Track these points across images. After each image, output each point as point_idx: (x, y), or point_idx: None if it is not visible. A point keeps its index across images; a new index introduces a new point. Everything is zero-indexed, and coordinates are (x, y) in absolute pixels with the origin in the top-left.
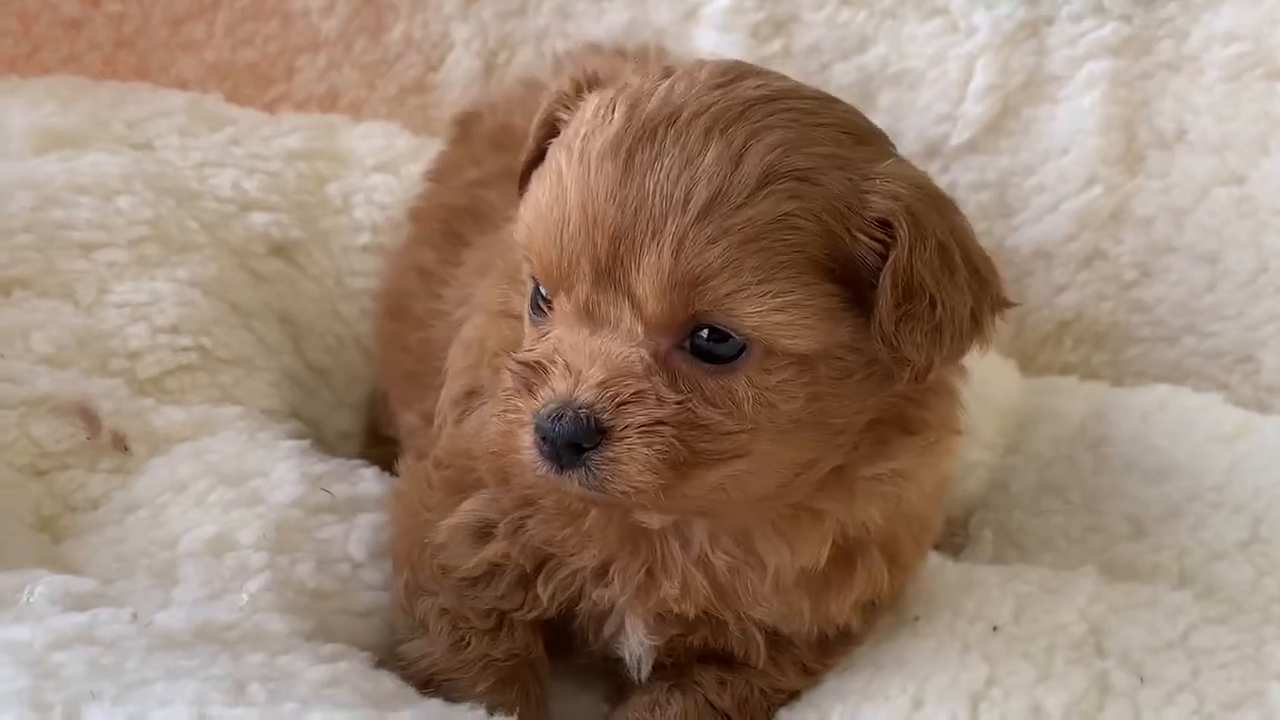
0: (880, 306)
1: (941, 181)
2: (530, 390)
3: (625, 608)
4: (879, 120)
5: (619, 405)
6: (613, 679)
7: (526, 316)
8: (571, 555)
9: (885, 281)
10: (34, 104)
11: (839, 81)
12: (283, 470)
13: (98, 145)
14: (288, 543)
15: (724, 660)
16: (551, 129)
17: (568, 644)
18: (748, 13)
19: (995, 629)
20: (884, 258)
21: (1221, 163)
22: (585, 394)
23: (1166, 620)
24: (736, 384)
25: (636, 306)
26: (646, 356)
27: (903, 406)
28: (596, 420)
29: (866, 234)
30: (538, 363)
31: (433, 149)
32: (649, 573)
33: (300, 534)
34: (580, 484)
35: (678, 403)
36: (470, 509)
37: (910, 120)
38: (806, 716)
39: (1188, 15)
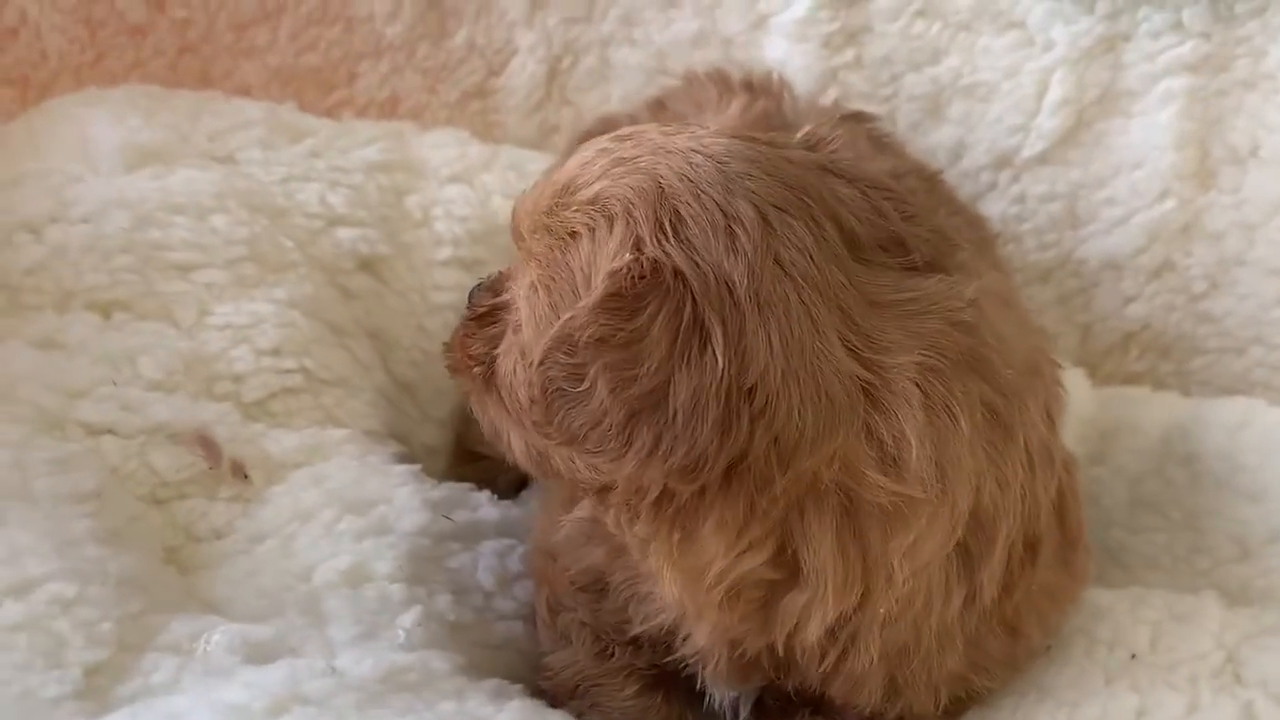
0: None
1: (1011, 192)
2: None
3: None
4: (948, 131)
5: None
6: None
7: None
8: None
9: None
10: (118, 118)
11: (910, 92)
12: (404, 497)
13: (185, 161)
14: (422, 574)
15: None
16: None
17: None
18: (820, 23)
19: (1133, 657)
20: None
21: None
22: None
23: None
24: None
25: None
26: None
27: None
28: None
29: None
30: None
31: (502, 156)
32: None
33: (432, 564)
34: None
35: None
36: (576, 515)
37: (981, 132)
38: None
39: (1266, 34)
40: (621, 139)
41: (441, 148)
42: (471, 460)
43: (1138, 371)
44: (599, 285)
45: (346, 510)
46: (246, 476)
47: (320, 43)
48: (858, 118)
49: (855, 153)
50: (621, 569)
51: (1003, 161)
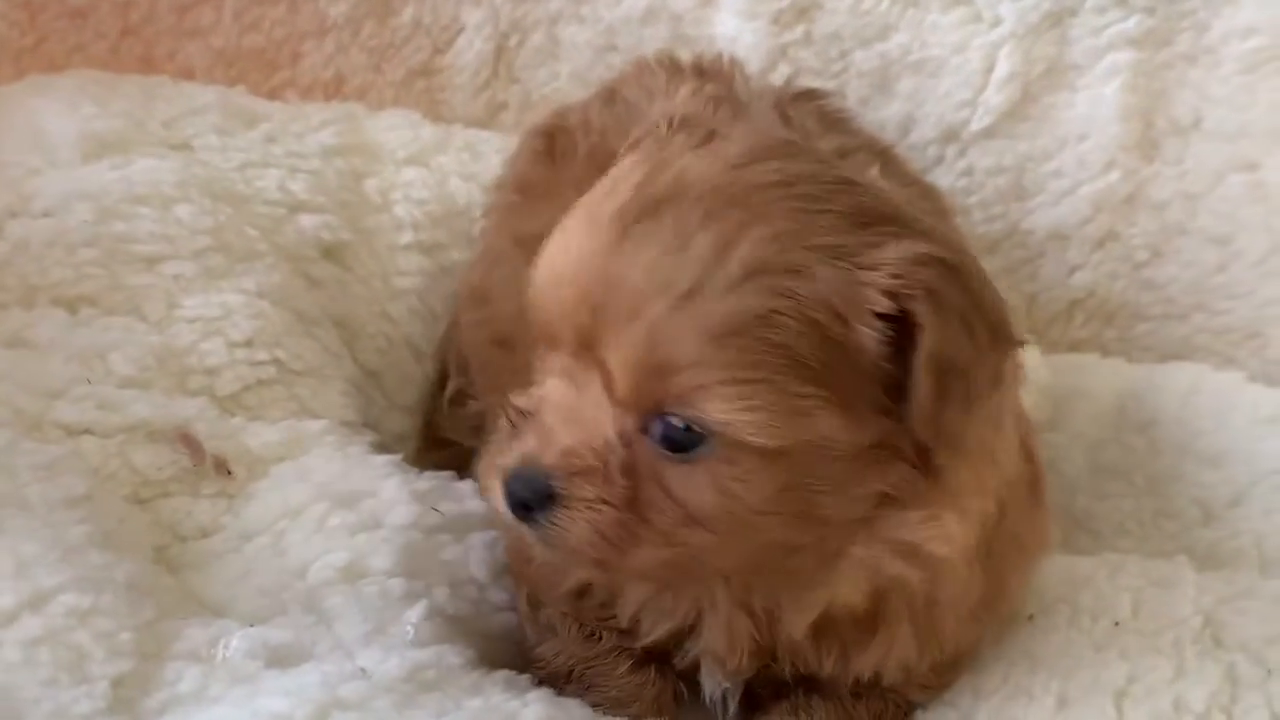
0: (918, 395)
1: (959, 166)
2: (512, 439)
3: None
4: (897, 107)
5: (572, 475)
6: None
7: None
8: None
9: (919, 370)
10: (71, 107)
11: (859, 68)
12: (391, 489)
13: (142, 149)
14: (418, 568)
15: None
16: None
17: None
18: (770, 0)
19: (1117, 624)
20: (893, 345)
21: (1236, 150)
22: (548, 458)
23: (1273, 607)
24: (696, 473)
25: (607, 382)
26: (611, 433)
27: (914, 479)
28: (549, 486)
29: (869, 324)
30: (524, 411)
31: (455, 137)
32: (698, 616)
33: (426, 557)
34: (534, 537)
35: (624, 486)
36: None
37: (929, 107)
38: (946, 716)
39: (1209, 9)
40: None
41: (395, 129)
42: (441, 447)
43: (1082, 338)
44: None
45: (336, 505)
46: (229, 472)
47: (264, 22)
48: (809, 95)
49: (803, 133)
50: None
51: (950, 136)
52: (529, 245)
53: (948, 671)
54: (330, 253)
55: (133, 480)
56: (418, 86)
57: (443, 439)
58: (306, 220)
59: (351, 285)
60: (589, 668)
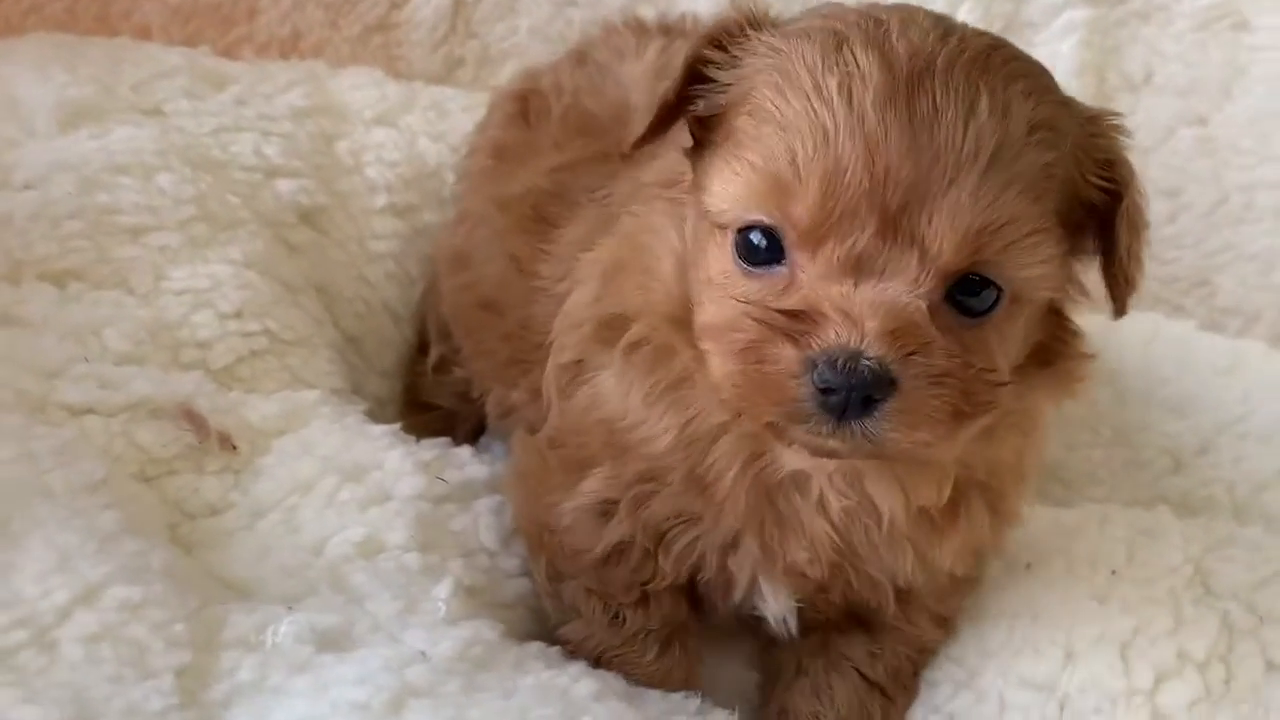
0: (1121, 247)
1: None
2: (794, 340)
3: (760, 572)
4: None
5: (908, 355)
6: (754, 643)
7: (732, 266)
8: (694, 528)
9: (1123, 223)
10: (42, 74)
11: None
12: (395, 460)
13: (116, 116)
14: (431, 539)
15: (859, 620)
16: (696, 71)
17: (702, 603)
18: None
19: (1114, 573)
20: (1109, 197)
21: (1186, 105)
22: (874, 345)
23: (1255, 554)
24: (989, 335)
25: (925, 256)
26: (924, 307)
27: (1045, 342)
28: (886, 371)
29: (1096, 177)
30: (800, 311)
31: (421, 96)
32: (781, 535)
33: (437, 528)
34: (853, 437)
35: (959, 353)
36: (591, 489)
37: None
38: (953, 674)
39: None
40: None
41: (360, 89)
42: (423, 410)
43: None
44: None
45: (344, 479)
46: (234, 447)
47: None
48: None
49: None
50: (641, 530)
51: None
52: (510, 208)
53: (954, 595)
54: (308, 217)
55: (139, 459)
56: (374, 42)
57: (424, 403)
58: (284, 185)
59: (329, 250)
60: (616, 654)
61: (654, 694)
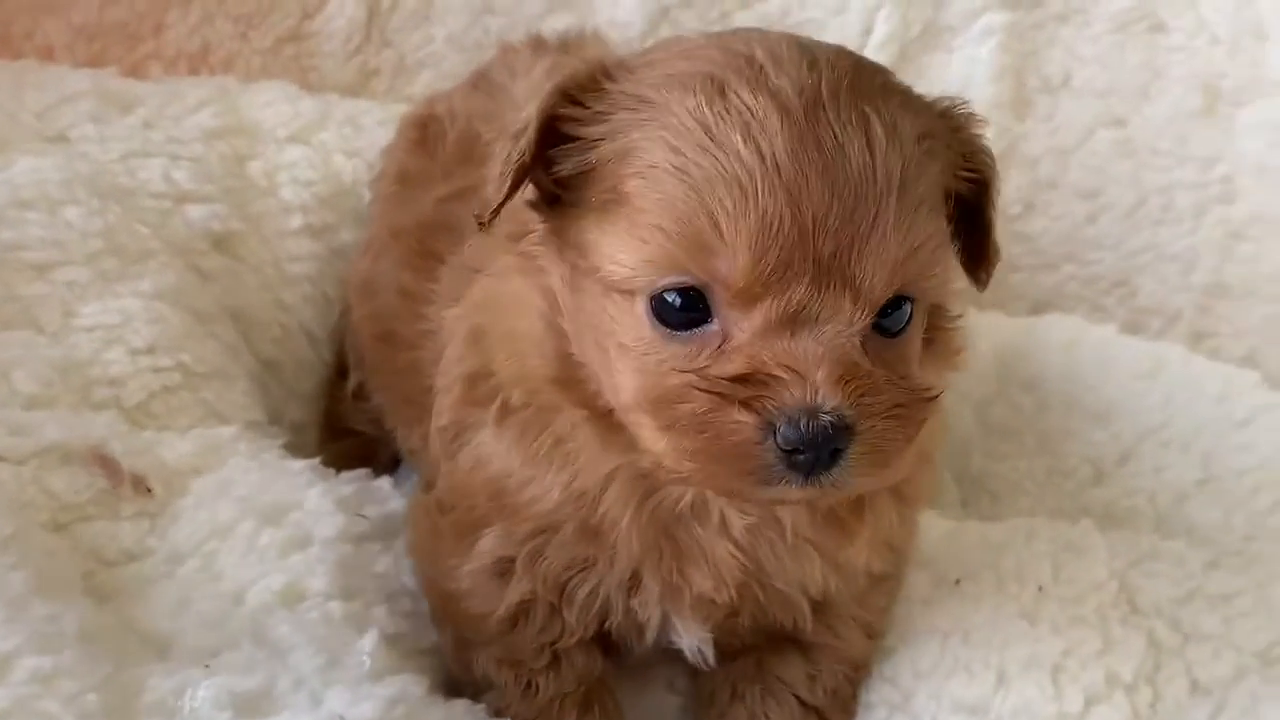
0: (989, 231)
1: None
2: (747, 405)
3: (668, 607)
4: None
5: (860, 398)
6: (676, 667)
7: (649, 331)
8: (593, 574)
9: (991, 209)
10: None
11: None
12: (315, 499)
13: (20, 146)
14: (354, 585)
15: (791, 640)
16: (551, 127)
17: (617, 648)
18: None
19: (1040, 589)
20: (972, 185)
21: (1105, 107)
22: (829, 397)
23: (1178, 569)
24: (906, 348)
25: (859, 295)
26: (859, 345)
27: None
28: (844, 420)
29: (963, 170)
30: (745, 375)
31: (335, 111)
32: (680, 569)
33: (360, 572)
34: (821, 487)
35: (895, 379)
36: (485, 549)
37: None
38: (888, 696)
39: None
40: None
41: (272, 105)
42: (343, 436)
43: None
44: None
45: (263, 521)
46: (149, 490)
47: None
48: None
49: None
50: (541, 585)
51: None
52: (402, 238)
53: (876, 595)
54: (220, 243)
55: (50, 506)
56: (286, 53)
57: (344, 428)
58: (194, 211)
59: (244, 275)
60: None
61: None
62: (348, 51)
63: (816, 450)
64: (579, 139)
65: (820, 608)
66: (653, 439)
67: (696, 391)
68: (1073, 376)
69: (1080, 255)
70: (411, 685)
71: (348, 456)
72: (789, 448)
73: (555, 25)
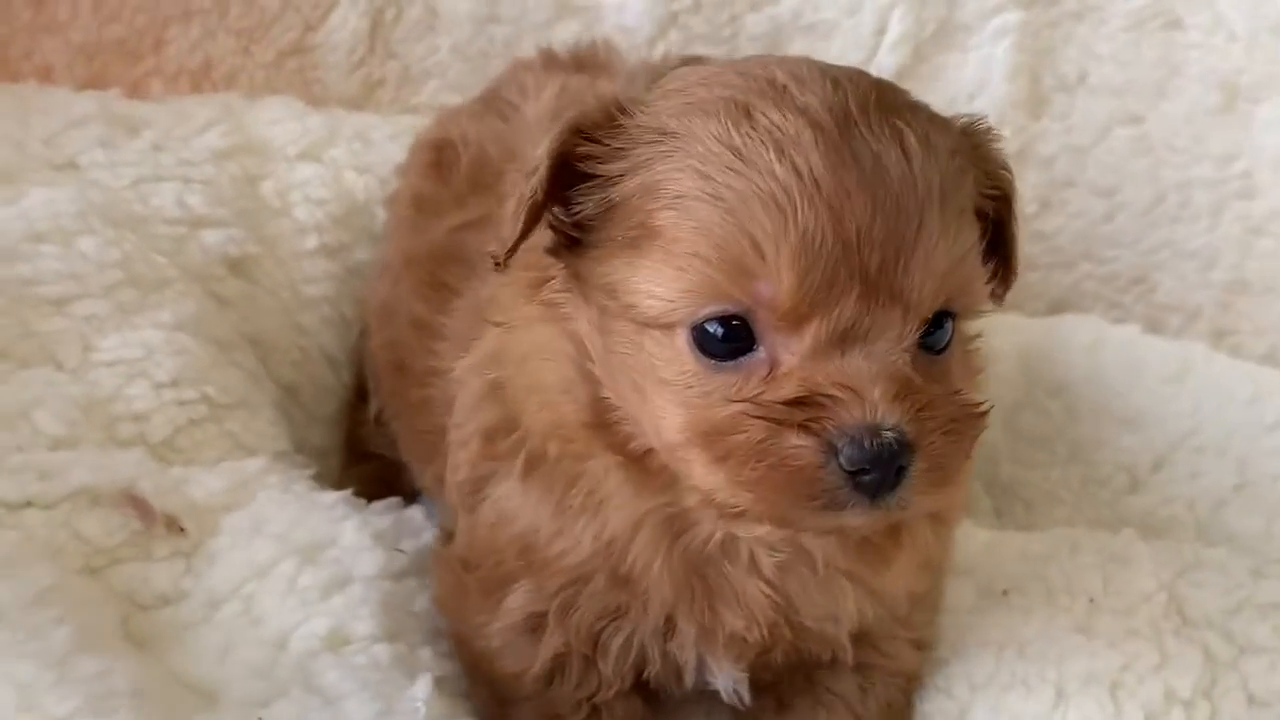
0: (1012, 246)
1: None
2: (807, 429)
3: (703, 649)
4: None
5: (917, 414)
6: (714, 699)
7: (693, 364)
8: (626, 623)
9: (1014, 223)
10: None
11: (750, 32)
12: (350, 533)
13: (30, 176)
14: (398, 626)
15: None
16: (567, 165)
17: (656, 694)
18: None
19: (1091, 601)
20: (993, 201)
21: (1121, 105)
22: (889, 414)
23: (1224, 578)
24: (950, 364)
25: (908, 309)
26: (909, 362)
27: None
28: (906, 436)
29: (988, 186)
30: (801, 398)
31: (344, 127)
32: (712, 609)
33: (402, 612)
34: (887, 510)
35: (954, 395)
36: (514, 606)
37: None
38: (944, 707)
39: None
40: None
41: (280, 123)
42: (366, 460)
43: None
44: None
45: (302, 561)
46: (182, 529)
47: (124, 11)
48: (691, 62)
49: None
50: (575, 637)
51: None
52: (414, 266)
53: (920, 613)
54: (237, 268)
55: (83, 551)
56: (289, 67)
57: (366, 452)
58: (210, 236)
59: (261, 299)
60: None
61: None
62: (351, 63)
63: (882, 469)
64: (598, 176)
65: (861, 637)
66: (704, 474)
67: (751, 419)
68: (1099, 380)
69: (1098, 253)
70: None
71: (371, 480)
72: (853, 468)
73: (562, 33)
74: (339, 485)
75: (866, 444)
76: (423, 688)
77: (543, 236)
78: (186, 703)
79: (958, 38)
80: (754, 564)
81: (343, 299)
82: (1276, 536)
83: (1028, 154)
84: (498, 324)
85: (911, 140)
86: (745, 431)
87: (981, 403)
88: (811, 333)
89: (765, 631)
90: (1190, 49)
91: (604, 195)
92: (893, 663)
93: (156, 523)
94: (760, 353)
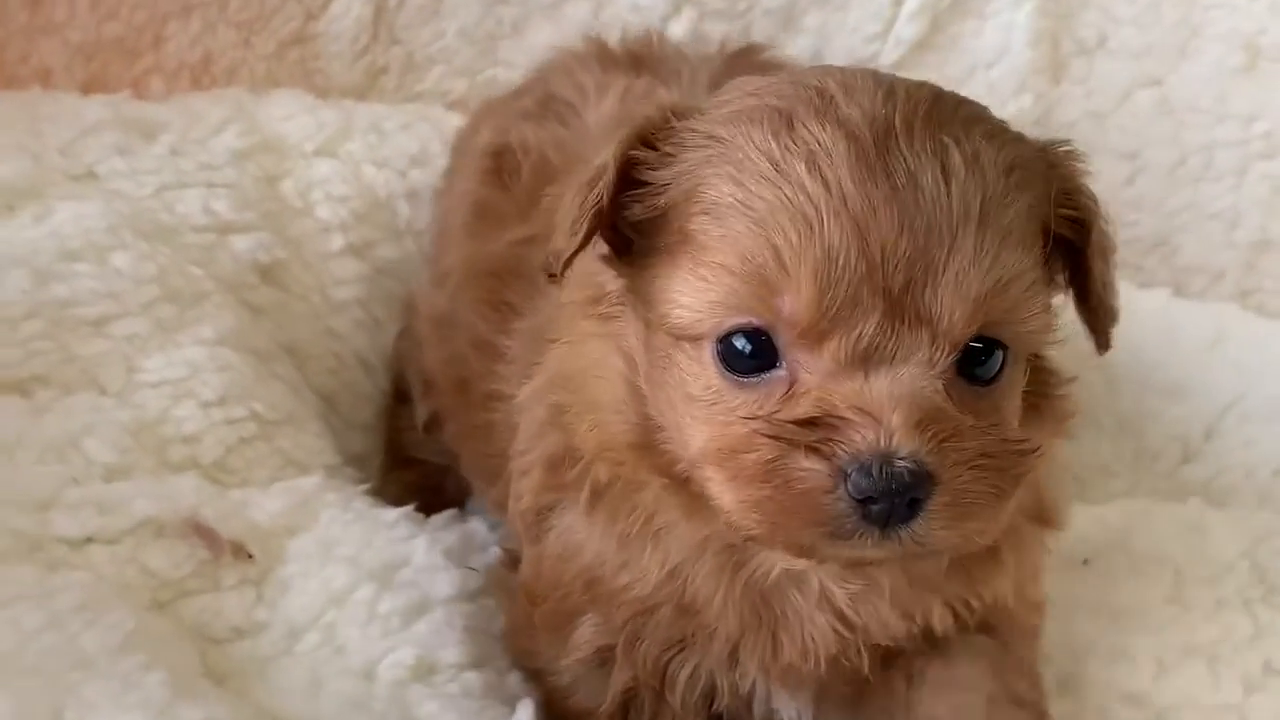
0: (1097, 280)
1: None
2: (817, 451)
3: (763, 680)
4: (805, 41)
5: (940, 444)
6: None
7: (717, 379)
8: (692, 654)
9: (1096, 253)
10: None
11: (764, 6)
12: (421, 553)
13: (54, 189)
14: (483, 651)
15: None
16: (623, 172)
17: None
18: None
19: (1177, 571)
20: (1074, 227)
21: (1141, 68)
22: (905, 441)
23: None
24: (1000, 399)
25: (936, 333)
26: (941, 388)
27: (1029, 387)
28: (924, 467)
29: (1063, 208)
30: (816, 418)
31: (357, 119)
32: (773, 638)
33: (484, 635)
34: (900, 544)
35: (985, 428)
36: (583, 640)
37: (839, 41)
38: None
39: None
40: None
41: (293, 118)
42: (409, 466)
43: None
44: None
45: (379, 585)
46: (251, 556)
47: (122, 9)
48: (748, 52)
49: None
50: (644, 670)
51: None
52: (477, 280)
53: (1034, 610)
54: (268, 275)
55: (149, 585)
56: (291, 57)
57: (409, 458)
58: (239, 242)
59: (293, 305)
60: None
61: None
62: (355, 51)
63: (891, 500)
64: (649, 183)
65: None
66: (720, 493)
67: (761, 438)
68: (1136, 351)
69: (1120, 216)
70: None
71: (415, 486)
72: (861, 496)
73: (573, 14)
74: (379, 491)
75: (875, 471)
76: (525, 715)
77: (598, 246)
78: None
79: (975, 5)
80: (825, 596)
81: (373, 300)
82: None
83: (1048, 120)
84: (555, 341)
85: (955, 157)
86: (756, 450)
87: (1025, 440)
88: (830, 351)
89: (823, 666)
90: (1211, 9)
91: (653, 202)
92: (1012, 636)
93: (224, 551)
94: (781, 370)
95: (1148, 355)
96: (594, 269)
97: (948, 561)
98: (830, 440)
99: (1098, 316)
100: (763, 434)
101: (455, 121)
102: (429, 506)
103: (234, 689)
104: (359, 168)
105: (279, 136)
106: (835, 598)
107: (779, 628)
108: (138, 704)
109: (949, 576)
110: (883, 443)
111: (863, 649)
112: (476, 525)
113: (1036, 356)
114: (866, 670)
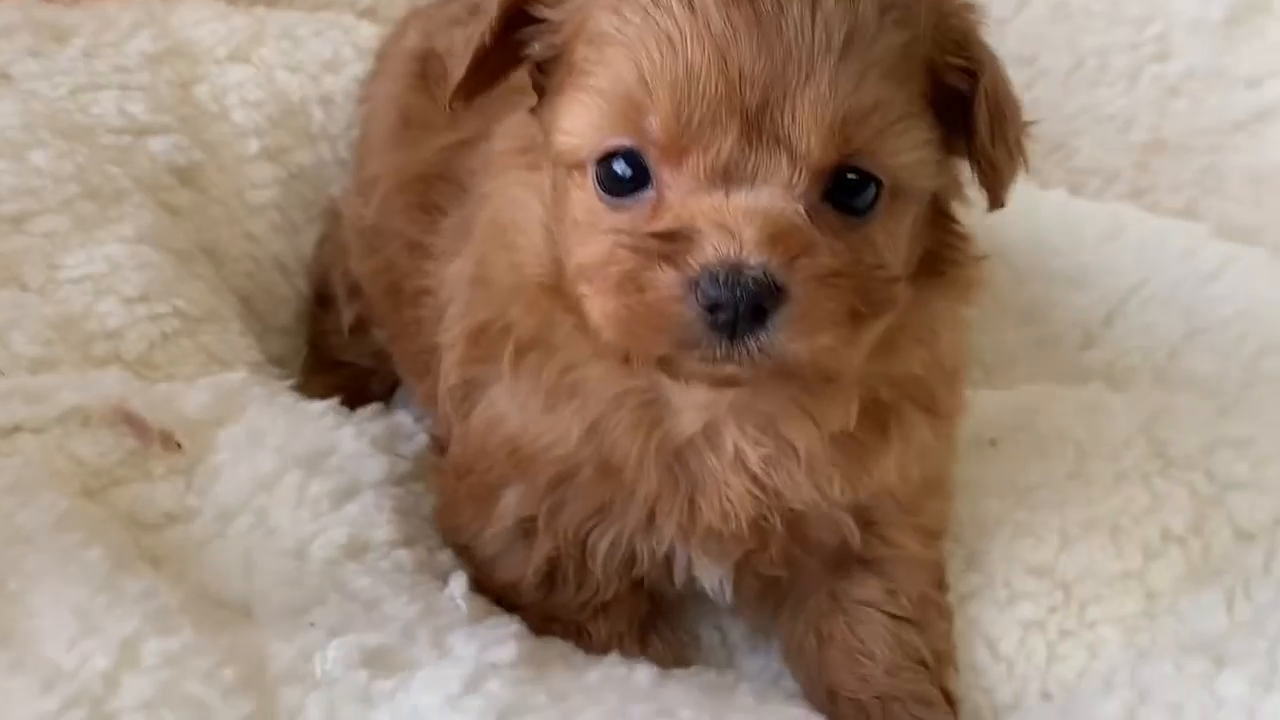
0: (982, 131)
1: None
2: (672, 261)
3: (680, 544)
4: None
5: (792, 260)
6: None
7: (597, 202)
8: (612, 522)
9: (981, 104)
10: None
11: None
12: (348, 441)
13: None
14: (413, 531)
15: (860, 561)
16: (520, 14)
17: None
18: None
19: (1078, 447)
20: (971, 81)
21: None
22: (755, 253)
23: (1193, 419)
24: (875, 233)
25: (795, 155)
26: (802, 210)
27: (935, 250)
28: (773, 279)
29: (954, 58)
30: (674, 231)
31: (269, 25)
32: (691, 502)
33: (413, 516)
34: (750, 355)
35: (846, 253)
36: (506, 510)
37: None
38: (952, 551)
39: None
40: None
41: (204, 23)
42: (333, 369)
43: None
44: None
45: (307, 471)
46: (178, 445)
47: None
48: None
49: None
50: (564, 541)
51: None
52: (406, 189)
53: (930, 500)
54: (185, 177)
55: (79, 473)
56: None
57: (335, 361)
58: (155, 144)
59: (210, 209)
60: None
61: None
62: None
63: (736, 308)
64: (546, 21)
65: (868, 522)
66: (591, 309)
67: (622, 250)
68: (1040, 244)
69: None
70: (515, 623)
71: (338, 389)
72: (708, 304)
73: None
74: (302, 392)
75: (723, 279)
76: (458, 585)
77: (529, 99)
78: (223, 616)
79: None
80: (739, 458)
81: (289, 204)
82: (1232, 377)
83: None
84: (485, 193)
85: None
86: (619, 263)
87: (883, 265)
88: (691, 168)
89: (744, 526)
90: None
91: (551, 39)
92: (903, 552)
93: (153, 440)
94: (650, 190)
95: (1052, 247)
96: (525, 120)
97: (835, 427)
98: (685, 252)
99: (984, 172)
100: (623, 246)
101: (367, 30)
102: (353, 406)
103: (170, 573)
104: (272, 73)
105: (191, 41)
106: (749, 460)
107: (696, 491)
108: (79, 576)
109: (844, 451)
110: (733, 253)
111: (776, 514)
112: (403, 417)
113: (944, 215)
114: (779, 527)
